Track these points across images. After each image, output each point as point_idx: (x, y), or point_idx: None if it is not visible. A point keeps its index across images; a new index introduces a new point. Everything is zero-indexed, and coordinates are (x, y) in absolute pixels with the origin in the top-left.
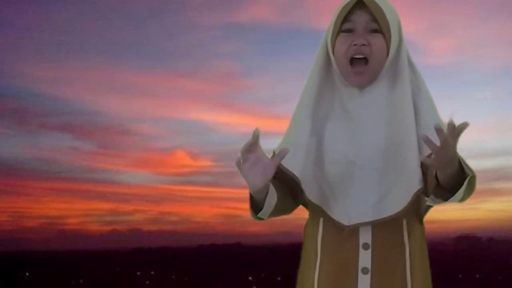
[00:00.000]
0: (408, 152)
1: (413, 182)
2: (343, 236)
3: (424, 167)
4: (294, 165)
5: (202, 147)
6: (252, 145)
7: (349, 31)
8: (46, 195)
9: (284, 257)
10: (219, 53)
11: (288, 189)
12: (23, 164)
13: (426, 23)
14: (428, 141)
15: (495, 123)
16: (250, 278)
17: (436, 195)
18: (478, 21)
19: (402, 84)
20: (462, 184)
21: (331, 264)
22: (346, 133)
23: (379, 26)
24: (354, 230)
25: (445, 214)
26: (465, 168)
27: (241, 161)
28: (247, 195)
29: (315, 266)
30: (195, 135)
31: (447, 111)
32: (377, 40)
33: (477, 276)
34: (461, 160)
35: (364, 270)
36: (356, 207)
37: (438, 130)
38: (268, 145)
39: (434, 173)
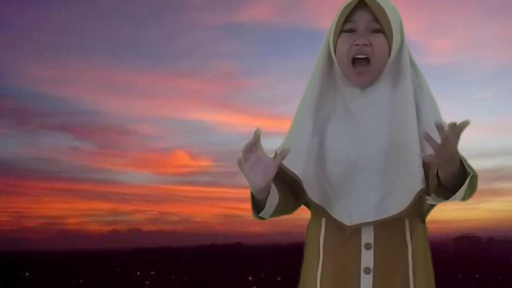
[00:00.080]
0: (410, 152)
1: (415, 182)
2: (345, 236)
3: (426, 166)
4: (295, 165)
5: (202, 147)
6: (253, 145)
7: (351, 31)
8: (46, 195)
9: (284, 257)
10: (219, 53)
11: (290, 189)
12: (23, 164)
13: (426, 23)
14: (428, 138)
15: (495, 123)
16: (250, 278)
17: (438, 194)
18: (478, 21)
19: (404, 84)
20: (463, 184)
21: (333, 264)
22: (348, 133)
23: (381, 26)
24: (356, 230)
25: (445, 214)
26: (467, 167)
27: (242, 160)
28: (247, 195)
29: (317, 266)
30: (195, 135)
31: (448, 111)
32: (378, 40)
33: (477, 276)
34: (462, 159)
35: (366, 270)
36: (358, 207)
37: (439, 127)
38: (268, 145)
39: (435, 171)
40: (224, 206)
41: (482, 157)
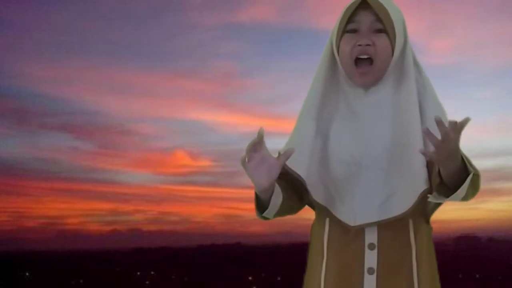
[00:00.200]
0: (414, 152)
1: (419, 182)
2: (349, 236)
3: (430, 166)
4: (299, 166)
5: (202, 147)
6: (257, 144)
7: (354, 31)
8: (46, 195)
9: (284, 257)
10: (219, 53)
11: (294, 189)
12: (23, 164)
13: (426, 23)
14: (429, 134)
15: (495, 123)
16: (250, 278)
17: (439, 192)
18: (478, 21)
19: (407, 84)
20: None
21: (337, 264)
22: (352, 133)
23: (384, 26)
24: (360, 231)
25: (445, 214)
26: (468, 166)
27: (246, 160)
28: (247, 195)
29: (321, 266)
30: (195, 135)
31: (448, 111)
32: (381, 40)
33: (477, 276)
34: (464, 158)
35: (370, 271)
36: (362, 207)
37: (439, 122)
38: (268, 145)
39: (437, 169)
40: (224, 206)
41: (482, 157)
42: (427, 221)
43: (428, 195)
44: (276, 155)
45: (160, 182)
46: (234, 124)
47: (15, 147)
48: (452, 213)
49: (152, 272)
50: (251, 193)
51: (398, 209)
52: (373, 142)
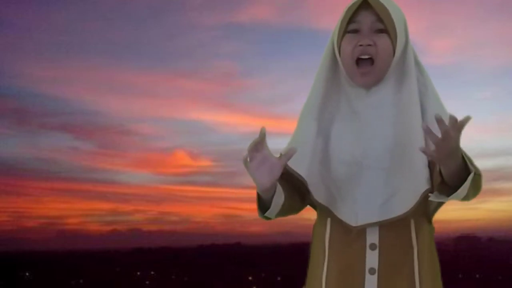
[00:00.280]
0: (415, 152)
1: (421, 182)
2: (350, 236)
3: (431, 166)
4: (300, 166)
5: (202, 147)
6: (259, 144)
7: (355, 31)
8: (46, 195)
9: (284, 257)
10: (219, 53)
11: (296, 189)
12: (23, 164)
13: (426, 23)
14: (429, 132)
15: (495, 123)
16: (250, 278)
17: (440, 191)
18: (478, 21)
19: (409, 84)
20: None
21: (338, 264)
22: (353, 133)
23: (385, 26)
24: (361, 231)
25: (445, 214)
26: (469, 165)
27: (248, 159)
28: (247, 195)
29: (322, 266)
30: (195, 135)
31: (448, 111)
32: (382, 40)
33: (477, 276)
34: (465, 157)
35: (371, 271)
36: (363, 207)
37: (438, 120)
38: (269, 145)
39: (438, 169)
40: (224, 206)
41: (482, 157)
42: (429, 221)
43: (429, 194)
44: (276, 155)
45: (160, 182)
46: (234, 124)
47: (15, 147)
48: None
49: (152, 272)
50: (251, 193)
51: (400, 209)
52: (375, 142)
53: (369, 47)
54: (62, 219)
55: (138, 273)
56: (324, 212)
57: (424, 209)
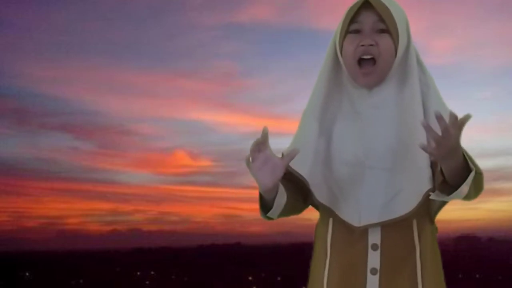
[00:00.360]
0: (418, 152)
1: (423, 182)
2: (353, 236)
3: (434, 166)
4: (302, 167)
5: (202, 147)
6: (261, 144)
7: (357, 31)
8: (46, 195)
9: (284, 257)
10: (219, 53)
11: (298, 189)
12: (23, 164)
13: (426, 23)
14: (429, 129)
15: (495, 123)
16: (250, 278)
17: (442, 190)
18: (478, 21)
19: (411, 83)
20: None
21: (340, 264)
22: (355, 133)
23: (387, 26)
24: (363, 231)
25: (445, 214)
26: (470, 164)
27: (250, 160)
28: (247, 195)
29: (324, 266)
30: (195, 135)
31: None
32: (384, 40)
33: (477, 276)
34: (466, 156)
35: (373, 271)
36: (366, 207)
37: (438, 117)
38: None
39: (439, 168)
40: (224, 206)
41: (482, 157)
42: (432, 221)
43: (430, 193)
44: (277, 156)
45: (160, 182)
46: (234, 124)
47: (15, 147)
48: (452, 213)
49: (152, 272)
50: (251, 193)
51: (402, 209)
52: (377, 142)
53: (371, 47)
54: (62, 219)
55: (138, 273)
56: (326, 212)
57: (427, 209)
